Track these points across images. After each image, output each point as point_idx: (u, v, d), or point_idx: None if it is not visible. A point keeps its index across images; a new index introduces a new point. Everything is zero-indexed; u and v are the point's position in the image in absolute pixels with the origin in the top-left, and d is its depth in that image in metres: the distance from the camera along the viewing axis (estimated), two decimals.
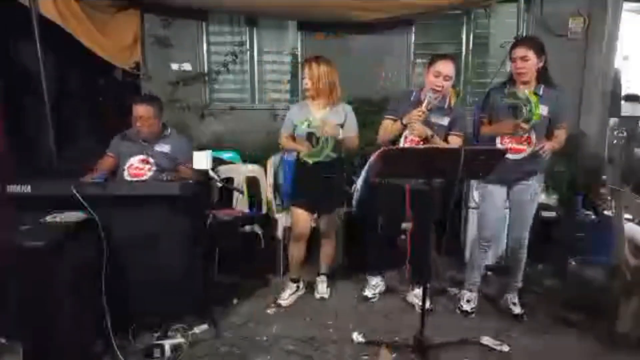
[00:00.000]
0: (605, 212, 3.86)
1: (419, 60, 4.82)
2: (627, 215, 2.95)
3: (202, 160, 2.73)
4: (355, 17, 4.33)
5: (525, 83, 2.76)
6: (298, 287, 3.26)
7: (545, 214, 3.78)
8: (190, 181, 2.73)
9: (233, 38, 4.91)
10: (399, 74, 4.77)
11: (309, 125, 2.90)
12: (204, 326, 2.79)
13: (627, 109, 5.01)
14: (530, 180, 2.85)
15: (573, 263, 3.74)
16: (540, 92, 2.75)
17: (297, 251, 3.17)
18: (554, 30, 4.44)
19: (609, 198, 3.85)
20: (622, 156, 4.53)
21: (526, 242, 2.96)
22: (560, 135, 2.81)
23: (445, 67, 2.80)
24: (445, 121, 2.87)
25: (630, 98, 5.10)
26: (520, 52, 2.73)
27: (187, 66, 4.81)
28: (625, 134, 4.76)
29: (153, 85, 4.77)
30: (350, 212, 3.60)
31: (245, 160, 4.21)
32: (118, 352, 2.42)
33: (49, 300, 2.16)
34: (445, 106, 2.90)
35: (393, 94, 4.06)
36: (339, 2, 4.19)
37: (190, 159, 2.99)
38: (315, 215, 3.17)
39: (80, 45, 4.23)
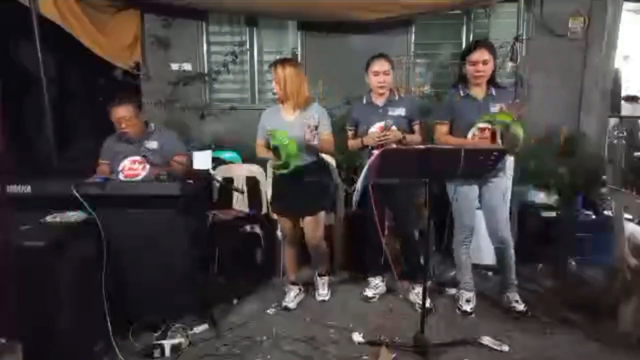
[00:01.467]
0: (605, 212, 3.86)
1: (419, 60, 4.84)
2: (627, 215, 2.95)
3: (202, 160, 2.72)
4: (355, 17, 4.33)
5: (479, 85, 2.89)
6: (300, 288, 3.26)
7: (545, 214, 3.78)
8: (190, 181, 2.73)
9: (233, 38, 4.91)
10: (399, 74, 4.77)
11: (273, 137, 2.77)
12: (204, 326, 2.80)
13: (627, 109, 5.03)
14: (498, 177, 2.91)
15: (573, 263, 3.75)
16: (494, 93, 2.89)
17: (291, 254, 3.19)
18: (554, 30, 4.44)
19: (609, 198, 3.85)
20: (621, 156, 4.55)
21: (508, 240, 2.96)
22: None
23: (381, 65, 3.00)
24: (401, 112, 3.02)
25: (629, 99, 5.11)
26: (481, 55, 2.84)
27: (187, 66, 4.81)
28: (625, 134, 4.77)
29: (153, 85, 4.78)
30: (350, 213, 3.62)
31: (245, 160, 4.21)
32: (118, 352, 2.42)
33: (49, 300, 2.17)
34: (397, 98, 3.07)
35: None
36: (339, 2, 4.19)
37: (180, 151, 2.99)
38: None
39: (80, 45, 4.24)
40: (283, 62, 2.93)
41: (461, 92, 2.93)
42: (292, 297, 3.17)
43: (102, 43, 4.40)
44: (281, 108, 3.00)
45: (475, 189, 2.96)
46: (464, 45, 4.72)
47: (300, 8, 4.30)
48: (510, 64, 4.18)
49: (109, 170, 3.06)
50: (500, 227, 2.94)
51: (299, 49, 4.85)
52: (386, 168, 2.39)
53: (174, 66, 4.80)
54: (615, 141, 4.75)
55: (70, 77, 5.02)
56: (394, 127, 2.91)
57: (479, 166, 2.42)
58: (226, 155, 4.21)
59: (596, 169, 4.31)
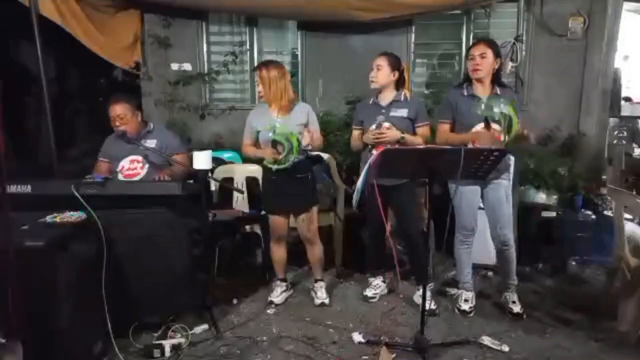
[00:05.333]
0: (605, 212, 3.86)
1: (419, 60, 4.84)
2: (627, 215, 2.95)
3: (202, 160, 2.73)
4: (355, 17, 4.33)
5: (479, 81, 2.88)
6: (287, 285, 3.27)
7: (545, 214, 3.78)
8: (190, 181, 2.73)
9: (233, 38, 4.92)
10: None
11: (274, 132, 2.81)
12: (204, 326, 2.79)
13: (627, 109, 5.03)
14: (500, 178, 2.90)
15: (573, 263, 3.75)
16: (498, 92, 2.87)
17: (278, 253, 3.18)
18: (554, 30, 4.44)
19: (609, 198, 3.86)
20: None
21: (511, 241, 2.96)
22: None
23: (375, 60, 3.02)
24: (404, 113, 2.98)
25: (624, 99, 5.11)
26: (479, 49, 2.85)
27: (187, 66, 4.82)
28: (625, 134, 4.77)
29: (153, 85, 4.78)
30: (350, 212, 3.62)
31: (245, 160, 4.21)
32: (118, 352, 2.42)
33: (48, 300, 2.17)
34: (402, 99, 3.02)
35: None
36: (339, 2, 4.19)
37: (180, 150, 3.00)
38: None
39: (80, 45, 4.24)
40: (267, 64, 2.94)
41: (464, 91, 2.93)
42: (279, 292, 3.19)
43: (102, 43, 4.40)
44: (269, 108, 2.99)
45: (477, 189, 2.95)
46: (463, 45, 4.73)
47: (300, 8, 4.31)
48: (510, 64, 4.18)
49: (108, 169, 3.07)
50: (502, 228, 2.93)
51: (299, 49, 4.85)
52: (386, 168, 2.39)
53: (174, 66, 4.80)
54: (615, 141, 4.75)
55: (70, 77, 5.03)
56: (386, 125, 2.91)
57: (480, 166, 2.42)
58: (226, 155, 4.21)
59: (596, 169, 4.31)
